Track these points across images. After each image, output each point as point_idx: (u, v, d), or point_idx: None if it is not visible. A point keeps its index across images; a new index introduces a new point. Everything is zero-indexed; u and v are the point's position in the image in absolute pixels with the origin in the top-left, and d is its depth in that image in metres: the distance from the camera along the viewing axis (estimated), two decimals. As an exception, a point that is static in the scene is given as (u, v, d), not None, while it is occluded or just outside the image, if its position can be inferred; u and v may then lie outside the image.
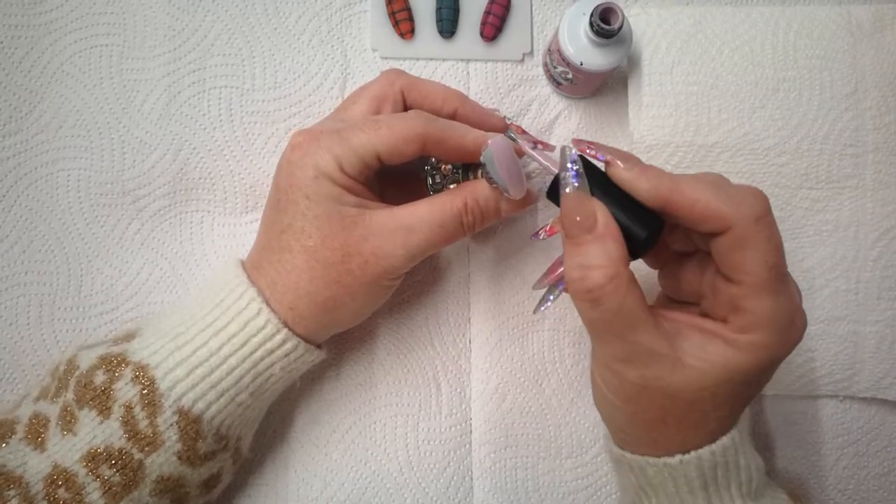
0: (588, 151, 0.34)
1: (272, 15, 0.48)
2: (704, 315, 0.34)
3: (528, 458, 0.46)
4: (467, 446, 0.46)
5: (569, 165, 0.33)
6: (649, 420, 0.34)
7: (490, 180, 0.37)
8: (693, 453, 0.34)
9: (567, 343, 0.47)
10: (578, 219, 0.32)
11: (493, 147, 0.35)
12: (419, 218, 0.37)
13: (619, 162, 0.33)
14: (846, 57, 0.46)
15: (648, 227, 0.33)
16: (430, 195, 0.39)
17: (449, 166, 0.41)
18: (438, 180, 0.41)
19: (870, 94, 0.46)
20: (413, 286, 0.47)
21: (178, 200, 0.47)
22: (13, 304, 0.45)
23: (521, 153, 0.39)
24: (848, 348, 0.46)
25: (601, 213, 0.32)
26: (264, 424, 0.45)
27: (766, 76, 0.46)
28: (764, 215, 0.31)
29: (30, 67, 0.46)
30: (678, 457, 0.34)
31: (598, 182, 0.33)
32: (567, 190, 0.33)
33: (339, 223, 0.36)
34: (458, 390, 0.47)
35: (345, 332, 0.46)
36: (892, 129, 0.46)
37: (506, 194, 0.37)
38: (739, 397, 0.33)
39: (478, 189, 0.38)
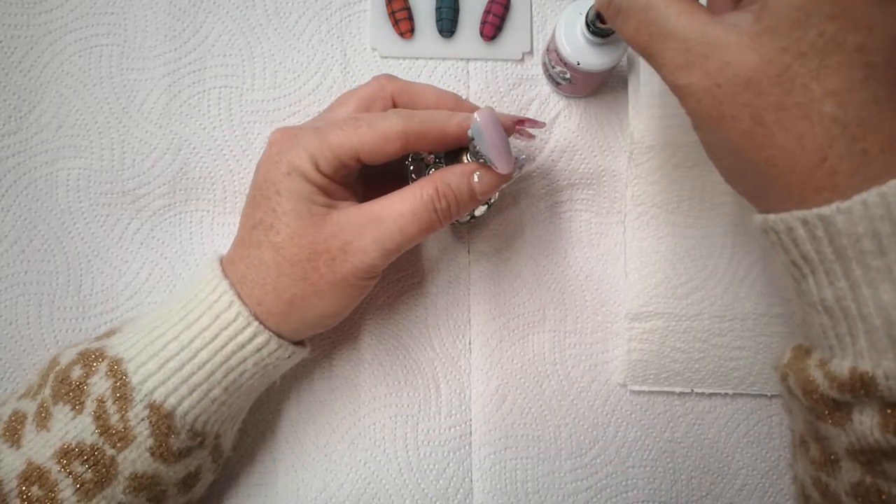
0: None
1: (272, 15, 0.48)
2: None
3: (528, 459, 0.46)
4: (467, 447, 0.46)
5: None
6: (744, 130, 0.28)
7: (477, 155, 0.37)
8: (857, 197, 0.26)
9: (568, 344, 0.47)
10: None
11: (481, 119, 0.35)
12: (389, 209, 0.36)
13: None
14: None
15: None
16: None
17: (431, 156, 0.41)
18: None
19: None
20: (413, 287, 0.47)
21: (177, 200, 0.47)
22: (13, 303, 0.45)
23: (508, 129, 0.39)
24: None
25: None
26: (263, 424, 0.45)
27: (767, 75, 0.45)
28: None
29: (29, 67, 0.46)
30: (835, 204, 0.26)
31: None
32: None
33: (308, 220, 0.36)
34: (458, 391, 0.47)
35: (343, 332, 0.46)
36: None
37: (493, 168, 0.36)
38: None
39: (447, 173, 0.37)
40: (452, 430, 0.46)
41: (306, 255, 0.36)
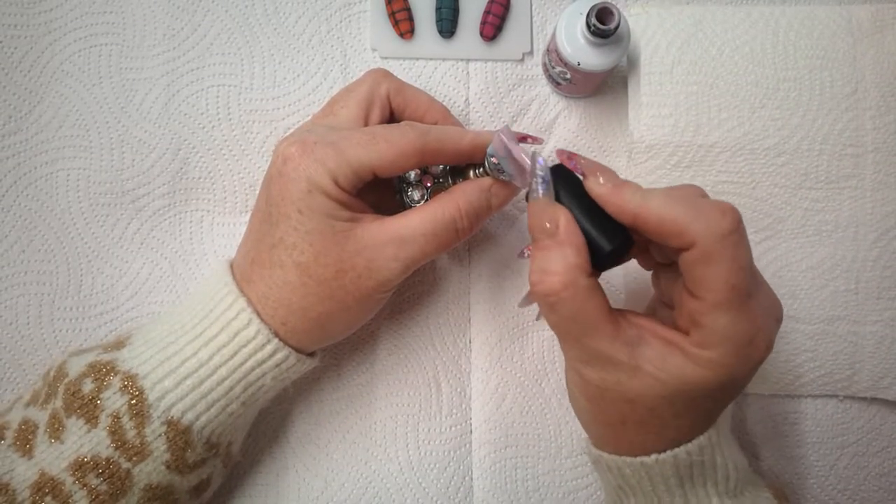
0: (568, 163, 0.34)
1: (272, 14, 0.48)
2: (674, 324, 0.34)
3: (528, 457, 0.46)
4: (467, 446, 0.46)
5: (538, 173, 0.34)
6: (610, 421, 0.35)
7: (497, 171, 0.37)
8: (669, 452, 0.34)
9: (567, 343, 0.47)
10: (542, 224, 0.33)
11: (506, 139, 0.35)
12: (412, 229, 0.36)
13: (596, 176, 0.33)
14: (846, 57, 0.46)
15: (613, 241, 0.33)
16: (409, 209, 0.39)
17: (438, 169, 0.41)
18: (417, 198, 0.41)
19: (870, 94, 0.46)
20: (414, 287, 0.47)
21: (177, 200, 0.47)
22: (13, 304, 0.44)
23: (522, 140, 0.39)
24: (847, 348, 0.46)
25: (564, 220, 0.32)
26: (265, 424, 0.45)
27: (766, 76, 0.46)
28: (730, 233, 0.30)
29: (29, 67, 0.46)
30: (654, 456, 0.34)
31: (575, 192, 0.34)
32: (534, 196, 0.34)
33: (332, 238, 0.36)
34: (459, 390, 0.47)
35: (345, 331, 0.46)
36: (892, 129, 0.46)
37: (515, 182, 0.37)
38: (700, 409, 0.33)
39: (467, 192, 0.38)
40: (453, 428, 0.46)
41: (332, 274, 0.36)
